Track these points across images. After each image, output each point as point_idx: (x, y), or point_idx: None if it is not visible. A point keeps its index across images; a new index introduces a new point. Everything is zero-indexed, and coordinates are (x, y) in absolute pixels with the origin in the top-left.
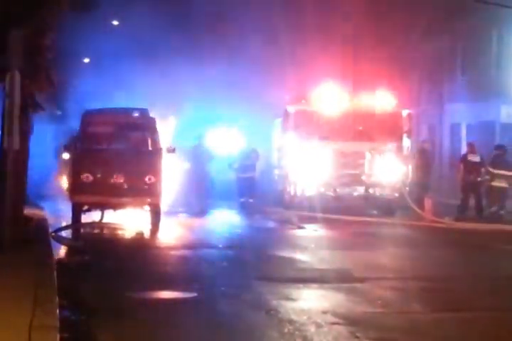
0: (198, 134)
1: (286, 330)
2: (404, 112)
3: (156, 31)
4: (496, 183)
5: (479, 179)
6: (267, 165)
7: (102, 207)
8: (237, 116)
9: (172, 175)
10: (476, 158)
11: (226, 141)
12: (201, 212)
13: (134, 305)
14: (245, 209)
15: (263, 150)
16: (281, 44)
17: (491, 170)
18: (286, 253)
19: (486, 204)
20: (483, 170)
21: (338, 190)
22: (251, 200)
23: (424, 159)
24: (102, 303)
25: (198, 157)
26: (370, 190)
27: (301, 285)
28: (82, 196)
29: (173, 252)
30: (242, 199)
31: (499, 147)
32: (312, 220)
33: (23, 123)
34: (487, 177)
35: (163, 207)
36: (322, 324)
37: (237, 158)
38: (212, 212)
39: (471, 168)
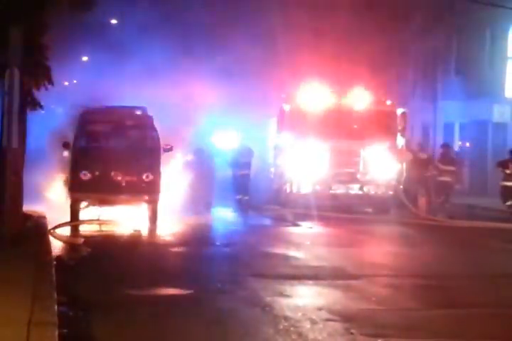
0: (201, 133)
1: (281, 327)
2: (399, 111)
3: (152, 32)
4: (442, 178)
5: (426, 174)
6: (263, 163)
7: (100, 204)
8: (233, 115)
9: (174, 174)
10: (423, 156)
11: (224, 140)
12: (205, 210)
13: (131, 301)
14: (241, 206)
15: (259, 149)
16: (276, 43)
17: (440, 166)
18: (281, 251)
19: (433, 197)
20: (430, 167)
21: (333, 188)
22: (246, 198)
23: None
24: (100, 300)
25: (203, 155)
26: (365, 188)
27: (296, 282)
28: (80, 193)
29: (170, 249)
30: (237, 197)
31: (444, 145)
32: (307, 218)
33: (21, 121)
34: (434, 172)
35: (163, 204)
36: (317, 320)
37: (232, 155)
38: (214, 210)
39: (420, 164)
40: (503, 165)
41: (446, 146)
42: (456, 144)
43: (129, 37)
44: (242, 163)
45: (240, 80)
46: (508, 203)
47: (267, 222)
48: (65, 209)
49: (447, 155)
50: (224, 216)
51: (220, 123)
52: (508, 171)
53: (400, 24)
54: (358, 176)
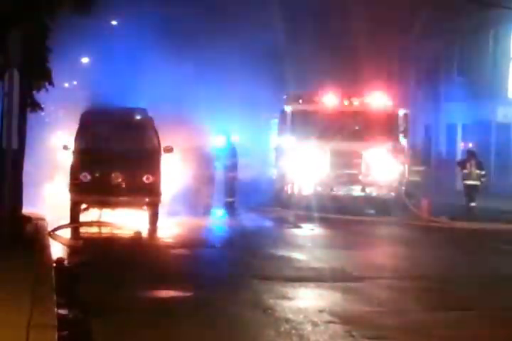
0: (201, 134)
1: (282, 329)
2: (401, 112)
3: (152, 32)
4: (412, 178)
5: None
6: (265, 164)
7: (100, 206)
8: (235, 116)
9: (173, 175)
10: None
11: (218, 141)
12: (206, 212)
13: (131, 303)
14: (229, 209)
15: (260, 150)
16: (278, 43)
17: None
18: (283, 252)
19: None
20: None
21: (335, 189)
22: (231, 200)
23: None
24: (100, 302)
25: (202, 157)
26: (367, 190)
27: (297, 284)
28: (80, 195)
29: (170, 251)
30: (229, 199)
31: (413, 147)
32: (309, 219)
33: (21, 122)
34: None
35: (163, 206)
36: (318, 323)
37: (222, 157)
38: (214, 212)
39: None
40: (461, 165)
41: (415, 148)
42: (459, 145)
43: (129, 38)
44: (229, 164)
45: (241, 81)
46: (472, 204)
47: (269, 223)
48: (65, 211)
49: (417, 156)
50: (224, 218)
51: (219, 125)
52: (466, 170)
53: (403, 25)
54: (360, 177)
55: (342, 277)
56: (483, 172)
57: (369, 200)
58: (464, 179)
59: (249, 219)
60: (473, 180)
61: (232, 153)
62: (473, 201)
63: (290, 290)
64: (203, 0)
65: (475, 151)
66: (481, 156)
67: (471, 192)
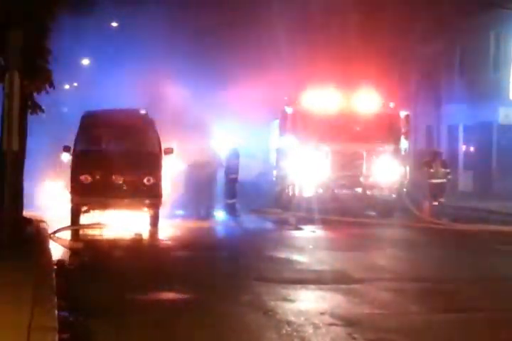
0: (202, 136)
1: (283, 331)
2: (402, 113)
3: (152, 34)
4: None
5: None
6: (266, 165)
7: (101, 208)
8: (236, 117)
9: (175, 177)
10: None
11: (220, 143)
12: (206, 214)
13: (132, 305)
14: (231, 210)
15: (262, 151)
16: (278, 45)
17: None
18: (284, 254)
19: None
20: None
21: (336, 191)
22: (232, 201)
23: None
24: (100, 304)
25: (203, 159)
26: (368, 191)
27: (298, 286)
28: (80, 197)
29: (171, 253)
30: (229, 201)
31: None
32: (310, 221)
33: (21, 124)
34: None
35: (164, 208)
36: (320, 325)
37: (224, 159)
38: (215, 214)
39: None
40: (427, 165)
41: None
42: (461, 147)
43: (129, 39)
44: (230, 166)
45: (242, 82)
46: (441, 200)
47: (269, 225)
48: (66, 212)
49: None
50: (225, 220)
51: (221, 126)
52: (432, 170)
53: (403, 27)
54: (361, 179)
55: (343, 279)
56: (448, 170)
57: (370, 202)
58: (430, 178)
59: (250, 221)
60: (439, 178)
61: (234, 154)
62: (436, 199)
63: (291, 292)
64: (204, 1)
65: (440, 151)
66: (482, 158)
67: (437, 190)
